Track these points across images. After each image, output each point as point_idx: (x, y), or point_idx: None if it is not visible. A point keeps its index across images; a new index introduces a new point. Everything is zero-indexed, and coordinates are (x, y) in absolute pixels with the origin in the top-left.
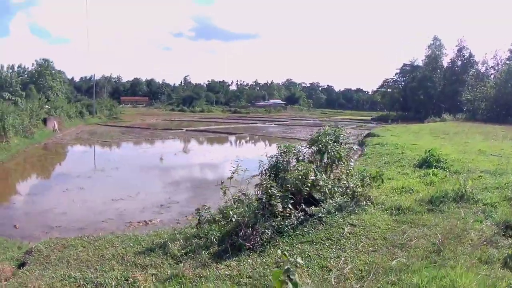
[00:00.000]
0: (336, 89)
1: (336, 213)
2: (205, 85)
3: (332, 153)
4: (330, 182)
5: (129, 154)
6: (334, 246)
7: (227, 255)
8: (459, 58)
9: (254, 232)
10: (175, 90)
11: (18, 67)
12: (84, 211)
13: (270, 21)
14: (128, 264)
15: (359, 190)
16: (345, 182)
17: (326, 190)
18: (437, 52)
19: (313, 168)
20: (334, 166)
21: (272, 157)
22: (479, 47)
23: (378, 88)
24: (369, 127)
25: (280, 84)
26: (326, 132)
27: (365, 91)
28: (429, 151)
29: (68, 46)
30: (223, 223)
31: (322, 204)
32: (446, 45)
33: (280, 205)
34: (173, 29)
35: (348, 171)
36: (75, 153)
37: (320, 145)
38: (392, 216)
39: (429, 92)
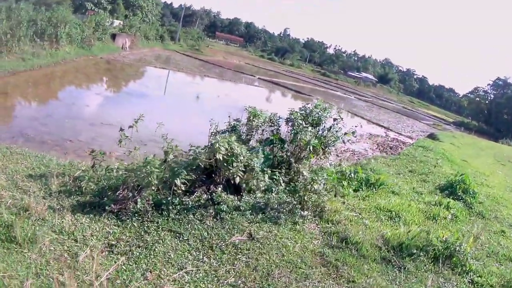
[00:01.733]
0: (430, 82)
1: (251, 213)
2: (303, 41)
3: (300, 139)
4: (267, 171)
5: (168, 84)
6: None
7: (88, 209)
8: None
9: (133, 198)
10: (272, 39)
11: None
12: (65, 129)
13: None
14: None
15: (312, 196)
16: (306, 179)
17: (260, 179)
18: None
19: (233, 142)
20: (301, 155)
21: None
22: None
23: (468, 93)
24: (443, 129)
25: (378, 61)
26: (309, 109)
27: (457, 93)
28: (461, 175)
29: None
30: (115, 174)
31: (243, 194)
32: None
33: (178, 179)
34: None
35: (317, 167)
36: (120, 71)
37: (293, 125)
38: (326, 247)
39: None
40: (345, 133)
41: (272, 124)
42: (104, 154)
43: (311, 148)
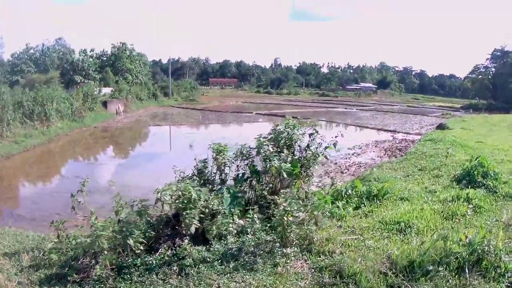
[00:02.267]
0: (429, 74)
1: (221, 263)
2: (295, 67)
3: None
4: (236, 212)
5: (162, 140)
6: None
7: (54, 281)
8: None
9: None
10: (265, 72)
11: (90, 50)
12: (58, 203)
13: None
14: None
15: (294, 228)
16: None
17: (228, 222)
18: None
19: (189, 187)
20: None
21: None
22: None
23: (469, 74)
24: (452, 116)
25: (373, 67)
26: (276, 134)
27: (458, 78)
28: (476, 158)
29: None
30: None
31: (212, 242)
32: None
33: (131, 240)
34: (269, 11)
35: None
36: (119, 136)
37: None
38: (316, 287)
39: None
40: (326, 147)
41: (245, 157)
42: (64, 222)
43: (284, 174)
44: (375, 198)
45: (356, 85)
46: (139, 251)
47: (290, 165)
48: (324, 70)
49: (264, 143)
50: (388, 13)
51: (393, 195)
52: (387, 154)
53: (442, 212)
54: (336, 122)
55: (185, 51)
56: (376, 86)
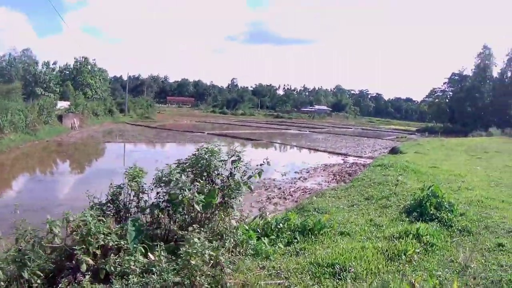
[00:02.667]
0: (386, 98)
1: None
2: (251, 88)
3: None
4: (139, 248)
5: (111, 157)
6: None
7: None
8: (510, 69)
9: None
10: (222, 92)
11: (53, 63)
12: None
13: (324, 27)
14: None
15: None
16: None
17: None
18: (486, 62)
19: (88, 218)
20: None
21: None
22: None
23: (425, 97)
24: (407, 139)
25: (329, 90)
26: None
27: (415, 101)
28: (429, 188)
29: (120, 46)
30: None
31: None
32: (496, 55)
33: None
34: (226, 32)
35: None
36: (68, 152)
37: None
38: None
39: (477, 104)
40: (250, 176)
41: (163, 183)
42: None
43: (197, 207)
44: (310, 232)
45: (310, 107)
46: (36, 284)
47: (205, 196)
48: (280, 92)
49: (176, 171)
50: (345, 36)
51: (331, 229)
52: (335, 179)
53: (387, 251)
54: (289, 144)
55: (146, 69)
56: (330, 109)
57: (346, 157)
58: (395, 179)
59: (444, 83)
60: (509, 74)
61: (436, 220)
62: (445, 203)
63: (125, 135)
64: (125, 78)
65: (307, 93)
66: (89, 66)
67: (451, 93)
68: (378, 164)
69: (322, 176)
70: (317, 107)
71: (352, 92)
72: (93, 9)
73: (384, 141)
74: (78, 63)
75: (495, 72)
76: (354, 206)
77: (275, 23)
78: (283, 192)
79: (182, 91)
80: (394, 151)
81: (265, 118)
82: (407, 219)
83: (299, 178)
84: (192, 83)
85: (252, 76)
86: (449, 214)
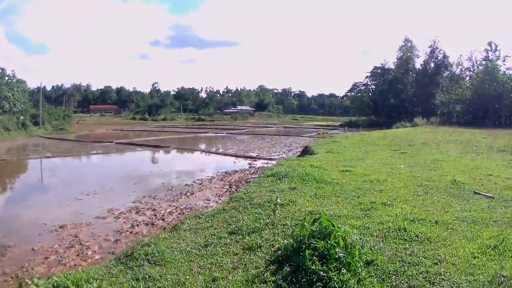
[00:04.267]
0: (309, 95)
1: None
2: (174, 92)
3: None
4: None
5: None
6: None
7: None
8: (432, 60)
9: None
10: (144, 98)
11: None
12: None
13: (246, 29)
14: None
15: None
16: None
17: None
18: (408, 54)
19: None
20: None
21: None
22: (453, 49)
23: (347, 92)
24: (328, 135)
25: (252, 90)
26: None
27: (338, 96)
28: (315, 221)
29: (46, 56)
30: None
31: None
32: (418, 46)
33: None
34: (149, 37)
35: None
36: None
37: None
38: None
39: (400, 95)
40: None
41: None
42: None
43: None
44: None
45: (233, 108)
46: None
47: None
48: (203, 94)
49: None
50: (267, 37)
51: None
52: (229, 191)
53: None
54: (197, 150)
55: (70, 78)
56: (253, 109)
57: (255, 160)
58: (284, 198)
59: (366, 77)
60: (432, 65)
61: (322, 281)
62: (337, 250)
63: (27, 151)
64: (48, 88)
65: (230, 95)
66: (6, 78)
67: (373, 87)
68: (270, 173)
69: (215, 187)
70: (239, 107)
71: (276, 91)
72: (17, 17)
73: (304, 139)
74: None
75: (418, 63)
76: (209, 247)
77: (199, 26)
78: (156, 214)
79: (105, 99)
80: (305, 151)
81: (186, 122)
82: (273, 278)
83: (185, 193)
84: (114, 90)
85: (176, 81)
86: (343, 270)
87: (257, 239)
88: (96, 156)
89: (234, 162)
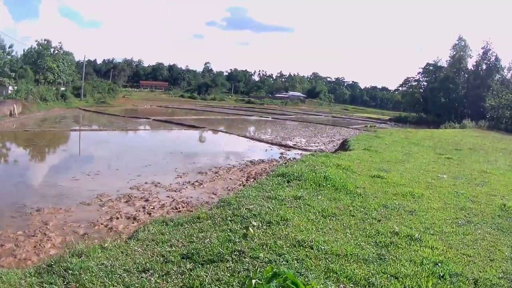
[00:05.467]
0: (362, 86)
1: None
2: (226, 73)
3: None
4: None
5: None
6: None
7: None
8: (484, 61)
9: None
10: (196, 77)
11: (9, 47)
12: None
13: (303, 15)
14: None
15: None
16: None
17: None
18: (461, 53)
19: None
20: None
21: None
22: (505, 52)
23: (399, 86)
24: (375, 129)
25: (305, 77)
26: None
27: (390, 90)
28: (273, 276)
29: (99, 30)
30: None
31: None
32: (472, 46)
33: None
34: (206, 18)
35: None
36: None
37: None
38: None
39: (451, 94)
40: None
41: None
42: None
43: None
44: None
45: (284, 93)
46: None
47: None
48: (255, 77)
49: None
50: (324, 25)
51: None
52: (245, 185)
53: None
54: (231, 133)
55: (123, 53)
56: (305, 95)
57: (289, 150)
58: (267, 215)
59: (419, 73)
60: (483, 66)
61: None
62: None
63: (61, 122)
64: (99, 62)
65: (283, 80)
66: (51, 49)
67: (425, 83)
68: (281, 172)
69: (231, 179)
70: (291, 93)
71: (329, 79)
72: None
73: (350, 130)
74: (40, 46)
75: (470, 64)
76: (145, 274)
77: (255, 10)
78: (145, 207)
79: (156, 76)
80: (343, 145)
81: (235, 104)
82: None
83: (193, 183)
84: (166, 67)
85: (229, 62)
86: None
87: (206, 276)
88: (122, 133)
89: (266, 150)
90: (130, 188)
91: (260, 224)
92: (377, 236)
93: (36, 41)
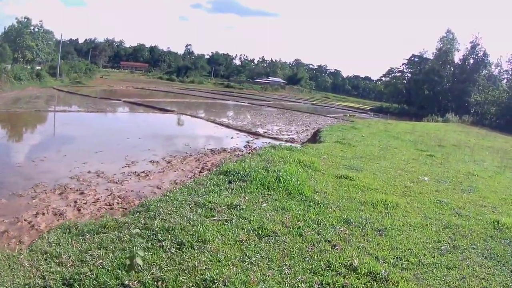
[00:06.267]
0: (344, 75)
1: None
2: (208, 56)
3: None
4: None
5: None
6: None
7: None
8: (472, 56)
9: None
10: (177, 59)
11: None
12: None
13: (288, 1)
14: None
15: None
16: None
17: None
18: (448, 46)
19: None
20: None
21: None
22: (494, 48)
23: (382, 76)
24: (354, 118)
25: (287, 63)
26: None
27: (373, 80)
28: None
29: (83, 8)
30: None
31: None
32: (459, 40)
33: None
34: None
35: None
36: None
37: None
38: None
39: (435, 87)
40: None
41: None
42: None
43: None
44: None
45: (265, 79)
46: None
47: None
48: (237, 62)
49: None
50: (308, 11)
51: None
52: (194, 176)
53: None
54: (200, 118)
55: (106, 34)
56: (285, 82)
57: (258, 138)
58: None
59: (403, 64)
60: (471, 61)
61: None
62: None
63: (29, 102)
64: (81, 41)
65: (264, 65)
66: (31, 27)
67: (409, 75)
68: (226, 169)
69: (183, 170)
70: (271, 79)
71: (311, 66)
72: None
73: (326, 119)
74: (20, 24)
75: (457, 58)
76: None
77: None
78: (77, 201)
79: (137, 57)
80: (314, 136)
81: (213, 87)
82: None
83: (139, 174)
84: (148, 49)
85: (212, 46)
86: None
87: None
88: (85, 115)
89: (232, 137)
90: (70, 177)
91: (169, 245)
92: (326, 273)
93: (16, 18)
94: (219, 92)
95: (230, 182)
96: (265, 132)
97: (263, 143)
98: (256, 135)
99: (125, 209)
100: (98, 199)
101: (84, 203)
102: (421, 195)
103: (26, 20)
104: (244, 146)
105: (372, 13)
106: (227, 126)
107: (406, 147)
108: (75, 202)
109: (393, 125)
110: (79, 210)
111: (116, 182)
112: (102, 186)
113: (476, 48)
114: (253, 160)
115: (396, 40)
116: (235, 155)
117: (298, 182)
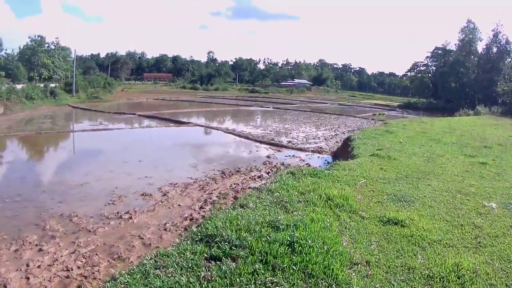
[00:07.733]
0: (369, 72)
1: None
2: (231, 62)
3: None
4: None
5: None
6: None
7: None
8: (495, 44)
9: None
10: (200, 67)
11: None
12: None
13: (308, 2)
14: None
15: None
16: None
17: None
18: (470, 36)
19: None
20: None
21: None
22: None
23: (407, 71)
24: (385, 117)
25: (312, 64)
26: None
27: (398, 76)
28: None
29: (101, 24)
30: None
31: None
32: (481, 29)
33: None
34: (211, 8)
35: None
36: None
37: None
38: None
39: (461, 79)
40: None
41: None
42: None
43: None
44: None
45: (290, 81)
46: None
47: None
48: (261, 66)
49: None
50: (329, 12)
51: None
52: (192, 218)
53: None
54: (218, 129)
55: (127, 47)
56: (311, 83)
57: (281, 149)
58: None
59: (427, 57)
60: (494, 49)
61: None
62: None
63: (36, 123)
64: (102, 55)
65: (289, 68)
66: (46, 45)
67: (434, 68)
68: (206, 233)
69: (180, 205)
70: (296, 81)
71: (335, 66)
72: None
73: (356, 120)
74: (34, 43)
75: (480, 47)
76: None
77: None
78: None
79: (160, 68)
80: (345, 145)
81: (238, 93)
82: None
83: (121, 216)
84: (170, 59)
85: (234, 52)
86: None
87: None
88: (89, 134)
89: (250, 152)
90: (36, 225)
91: None
92: None
93: (29, 37)
94: (243, 98)
95: (211, 259)
96: (289, 142)
97: (286, 156)
98: (279, 146)
99: (85, 277)
100: (56, 260)
101: (37, 266)
102: (497, 240)
103: (40, 38)
104: (263, 163)
105: (391, 8)
106: (247, 137)
107: (452, 153)
108: (27, 265)
109: (429, 124)
110: (28, 278)
111: (89, 230)
112: (69, 238)
113: (499, 36)
114: (258, 205)
115: (418, 34)
116: (250, 177)
117: (325, 249)
